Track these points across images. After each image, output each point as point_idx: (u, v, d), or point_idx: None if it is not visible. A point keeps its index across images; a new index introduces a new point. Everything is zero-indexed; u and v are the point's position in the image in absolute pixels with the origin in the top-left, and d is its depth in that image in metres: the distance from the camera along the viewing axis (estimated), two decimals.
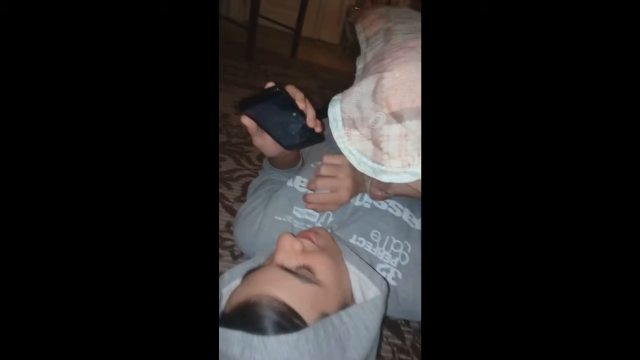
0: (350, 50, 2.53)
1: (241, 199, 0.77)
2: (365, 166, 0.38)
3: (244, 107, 0.45)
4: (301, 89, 0.46)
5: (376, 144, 0.37)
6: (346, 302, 0.39)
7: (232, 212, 0.72)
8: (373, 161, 0.37)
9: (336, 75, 1.96)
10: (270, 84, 0.43)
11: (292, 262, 0.38)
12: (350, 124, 0.39)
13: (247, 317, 0.32)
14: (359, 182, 0.51)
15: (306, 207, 0.52)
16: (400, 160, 0.35)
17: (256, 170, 0.89)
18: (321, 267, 0.39)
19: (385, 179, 0.36)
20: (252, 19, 1.66)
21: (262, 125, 0.48)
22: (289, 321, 0.32)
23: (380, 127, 0.36)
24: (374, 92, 0.37)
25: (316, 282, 0.37)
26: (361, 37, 0.62)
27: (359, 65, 0.50)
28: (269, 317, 0.32)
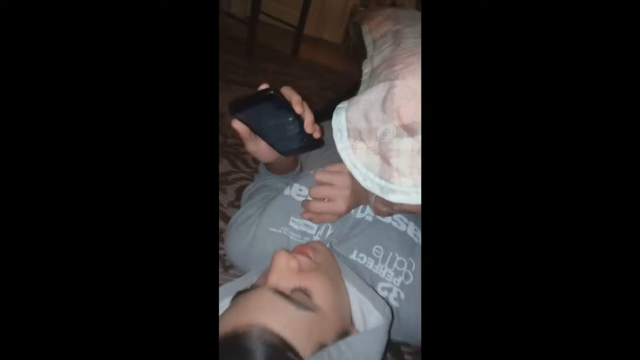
0: (353, 50, 2.50)
1: (235, 204, 0.74)
2: (371, 183, 0.34)
3: (235, 110, 0.41)
4: (301, 89, 0.43)
5: (384, 158, 0.33)
6: (345, 328, 0.36)
7: (226, 219, 0.68)
8: (381, 178, 0.33)
9: (338, 75, 1.93)
10: (264, 86, 0.40)
11: (287, 284, 0.35)
12: (356, 135, 0.36)
13: (236, 350, 0.28)
14: (360, 194, 0.48)
15: (302, 216, 0.49)
16: (412, 178, 0.32)
17: (252, 173, 0.85)
18: (319, 290, 0.35)
19: (393, 198, 0.33)
20: (253, 15, 1.63)
21: (255, 129, 0.44)
22: (282, 355, 0.29)
23: (389, 140, 0.33)
24: (384, 102, 0.34)
25: (313, 309, 0.33)
26: (367, 39, 0.58)
27: (366, 70, 0.46)
28: (259, 351, 0.28)
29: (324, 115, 0.57)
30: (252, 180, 0.80)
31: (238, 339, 0.29)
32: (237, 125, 0.43)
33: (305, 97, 0.43)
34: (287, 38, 2.11)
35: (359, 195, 0.48)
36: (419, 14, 0.64)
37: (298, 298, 0.34)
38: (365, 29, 0.64)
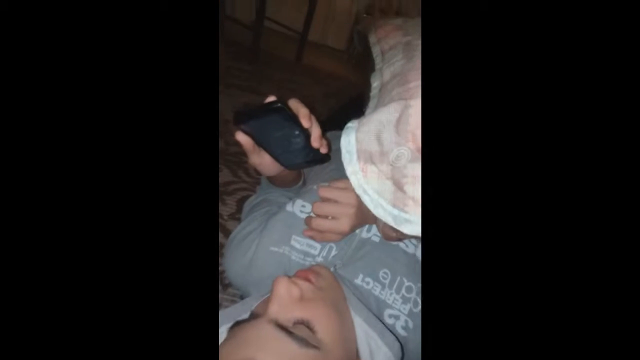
0: (356, 59, 2.47)
1: (236, 216, 0.71)
2: (383, 211, 0.31)
3: (239, 121, 0.39)
4: (305, 96, 0.40)
5: (398, 185, 0.31)
6: None
7: (226, 232, 0.66)
8: (394, 206, 0.31)
9: (342, 82, 1.91)
10: (271, 98, 0.38)
11: (288, 315, 0.33)
12: (367, 157, 0.33)
13: None
14: (366, 212, 0.45)
15: (304, 233, 0.46)
16: None
17: (254, 184, 0.83)
18: (322, 322, 0.33)
19: (408, 230, 0.30)
20: (257, 21, 1.61)
21: (260, 142, 0.43)
22: None
23: (403, 164, 0.30)
24: (398, 122, 0.31)
25: (316, 345, 0.31)
26: (375, 50, 0.56)
27: (375, 83, 0.44)
28: None
29: (328, 125, 0.54)
30: (254, 191, 0.77)
31: None
32: (241, 137, 0.41)
33: (309, 105, 0.41)
34: (290, 44, 2.10)
35: (365, 214, 0.45)
36: None
37: (300, 333, 0.31)
38: (372, 38, 0.61)
